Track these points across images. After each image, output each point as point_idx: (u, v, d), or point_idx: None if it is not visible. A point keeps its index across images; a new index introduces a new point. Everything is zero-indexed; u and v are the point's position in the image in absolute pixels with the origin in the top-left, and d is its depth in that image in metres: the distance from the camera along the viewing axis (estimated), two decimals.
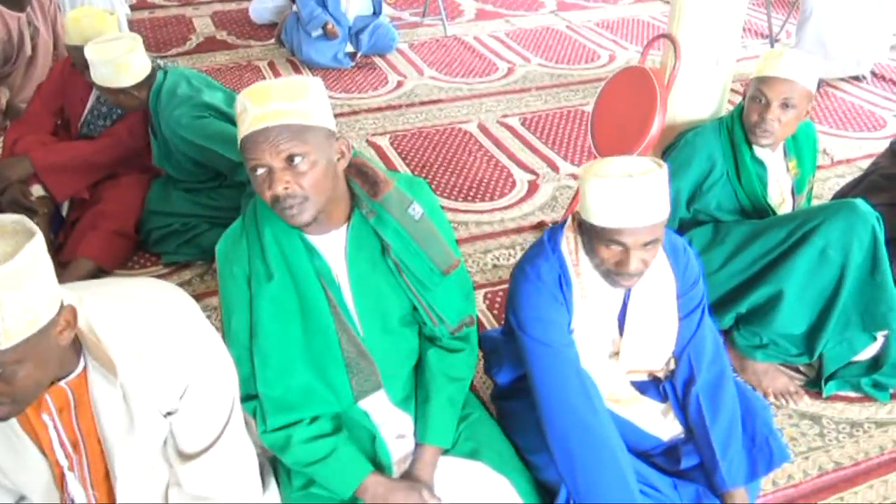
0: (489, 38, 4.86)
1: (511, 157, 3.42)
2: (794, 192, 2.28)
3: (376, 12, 4.57)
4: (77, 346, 1.17)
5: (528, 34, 4.92)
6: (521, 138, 3.58)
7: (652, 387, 1.80)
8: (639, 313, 1.65)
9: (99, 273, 2.55)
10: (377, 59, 4.49)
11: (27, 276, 1.01)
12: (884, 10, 3.90)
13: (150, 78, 2.51)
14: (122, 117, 2.68)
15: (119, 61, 2.39)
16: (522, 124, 3.72)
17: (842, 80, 4.09)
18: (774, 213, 2.21)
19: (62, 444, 1.23)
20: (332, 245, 1.49)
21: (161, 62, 2.70)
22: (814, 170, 2.34)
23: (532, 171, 3.30)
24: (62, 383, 1.18)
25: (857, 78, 4.09)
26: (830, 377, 2.11)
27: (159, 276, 2.63)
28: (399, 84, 4.19)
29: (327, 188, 1.38)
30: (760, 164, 2.20)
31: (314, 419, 1.54)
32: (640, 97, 2.37)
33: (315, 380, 1.52)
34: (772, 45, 4.21)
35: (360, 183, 1.48)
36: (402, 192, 1.50)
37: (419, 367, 1.66)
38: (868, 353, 2.12)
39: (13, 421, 1.19)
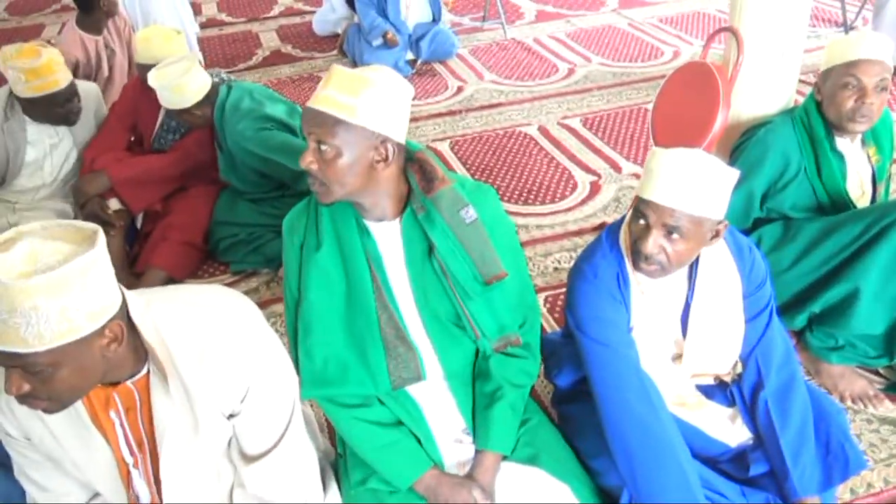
0: (549, 39, 4.83)
1: (572, 158, 3.38)
2: (875, 181, 2.18)
3: (436, 19, 4.61)
4: (142, 348, 1.21)
5: (589, 34, 4.86)
6: (582, 139, 3.54)
7: (719, 391, 1.74)
8: (702, 313, 1.60)
9: (170, 282, 2.65)
10: (438, 66, 4.52)
11: (70, 287, 1.03)
12: None
13: (212, 95, 2.60)
14: (189, 131, 2.78)
15: (175, 85, 2.48)
16: (584, 125, 3.68)
17: None
18: (854, 207, 2.11)
19: (128, 442, 1.28)
20: (387, 234, 1.52)
21: (225, 77, 2.79)
22: (892, 156, 2.23)
23: (594, 173, 3.25)
24: (129, 383, 1.23)
25: None
26: None
27: (227, 285, 2.71)
28: (459, 89, 4.21)
29: (351, 183, 1.41)
30: (840, 156, 2.11)
31: (382, 403, 1.58)
32: (702, 93, 2.30)
33: (353, 358, 1.54)
34: (846, 33, 4.03)
35: (417, 178, 1.50)
36: (458, 194, 1.50)
37: (479, 373, 1.65)
38: None
39: (84, 415, 1.24)
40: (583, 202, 3.05)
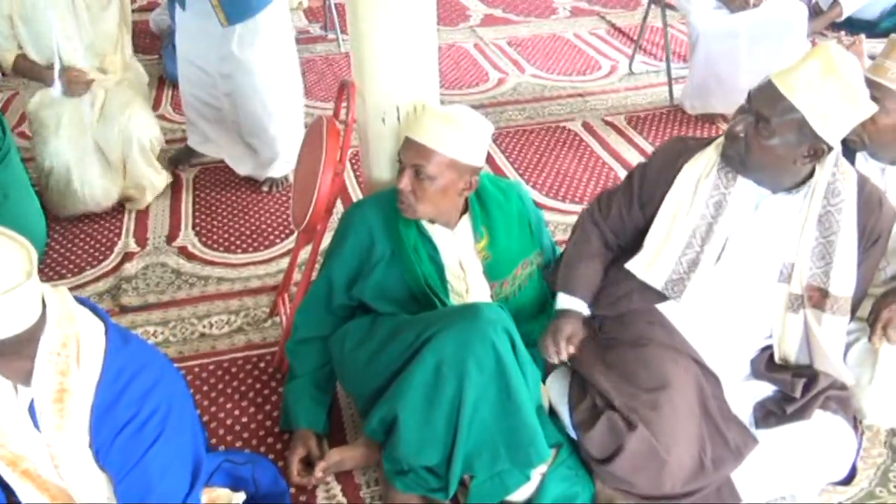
0: None
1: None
2: (488, 278, 1.85)
3: None
4: None
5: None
6: None
7: None
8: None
9: None
10: None
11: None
12: (786, 36, 3.32)
13: None
14: None
15: None
16: None
17: None
18: (444, 304, 1.80)
19: None
20: None
21: None
22: (531, 249, 1.91)
23: None
24: None
25: None
26: None
27: None
28: None
29: None
30: (430, 242, 1.80)
31: None
32: (319, 153, 1.98)
33: None
34: (668, 68, 3.69)
35: None
36: None
37: None
38: (523, 493, 1.68)
39: None
40: (284, 255, 2.72)
